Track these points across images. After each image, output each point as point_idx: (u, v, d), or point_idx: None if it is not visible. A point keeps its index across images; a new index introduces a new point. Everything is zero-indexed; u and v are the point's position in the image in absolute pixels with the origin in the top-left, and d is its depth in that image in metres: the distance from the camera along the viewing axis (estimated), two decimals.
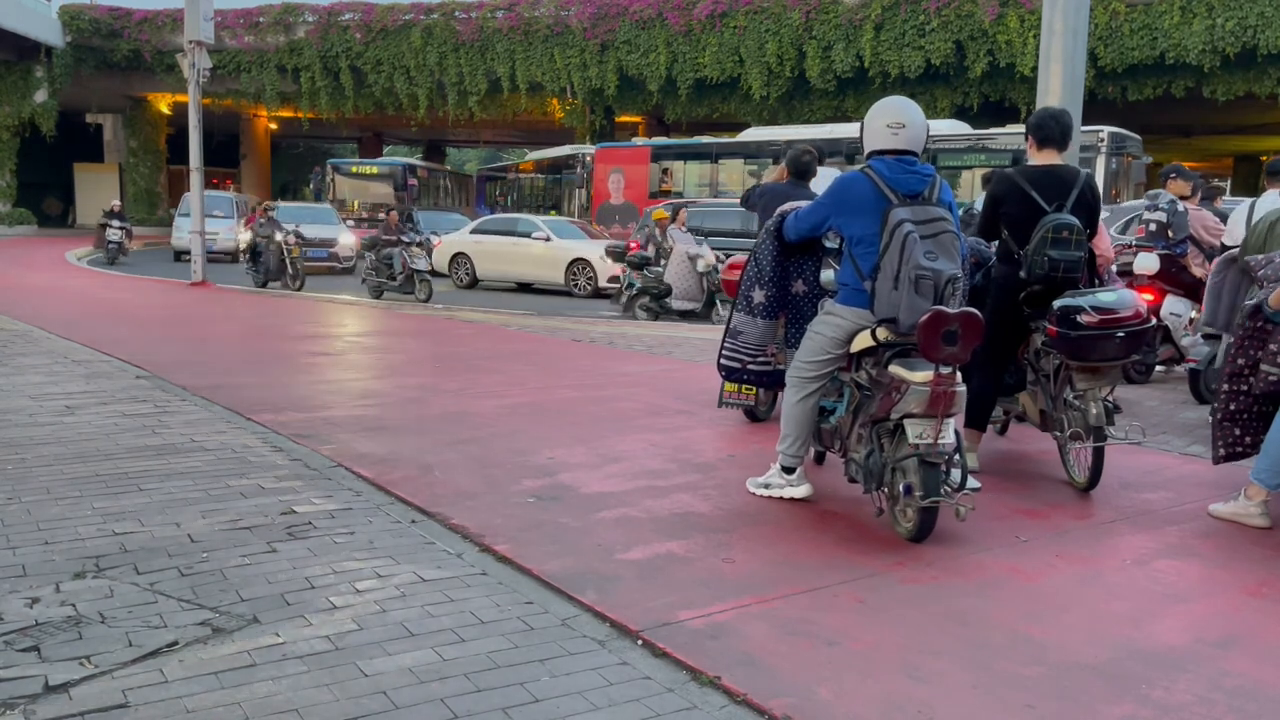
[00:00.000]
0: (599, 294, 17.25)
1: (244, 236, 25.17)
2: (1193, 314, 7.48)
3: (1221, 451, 4.51)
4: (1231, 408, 4.42)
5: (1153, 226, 7.65)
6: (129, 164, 37.96)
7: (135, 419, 5.62)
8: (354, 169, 31.28)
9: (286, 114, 36.20)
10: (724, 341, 4.73)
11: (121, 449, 4.92)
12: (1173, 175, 8.08)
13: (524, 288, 18.97)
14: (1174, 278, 7.58)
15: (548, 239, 18.14)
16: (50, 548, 3.50)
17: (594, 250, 17.70)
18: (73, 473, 4.46)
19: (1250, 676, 2.78)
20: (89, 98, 35.05)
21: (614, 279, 17.01)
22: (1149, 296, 7.45)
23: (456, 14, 30.41)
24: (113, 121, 39.00)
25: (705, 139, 24.62)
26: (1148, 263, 7.58)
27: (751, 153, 22.12)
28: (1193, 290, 7.54)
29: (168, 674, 2.61)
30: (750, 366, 4.70)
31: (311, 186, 37.13)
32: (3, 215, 33.51)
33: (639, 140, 25.07)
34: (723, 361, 4.76)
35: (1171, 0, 22.10)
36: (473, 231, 19.68)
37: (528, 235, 18.48)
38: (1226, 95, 22.80)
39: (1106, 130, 16.40)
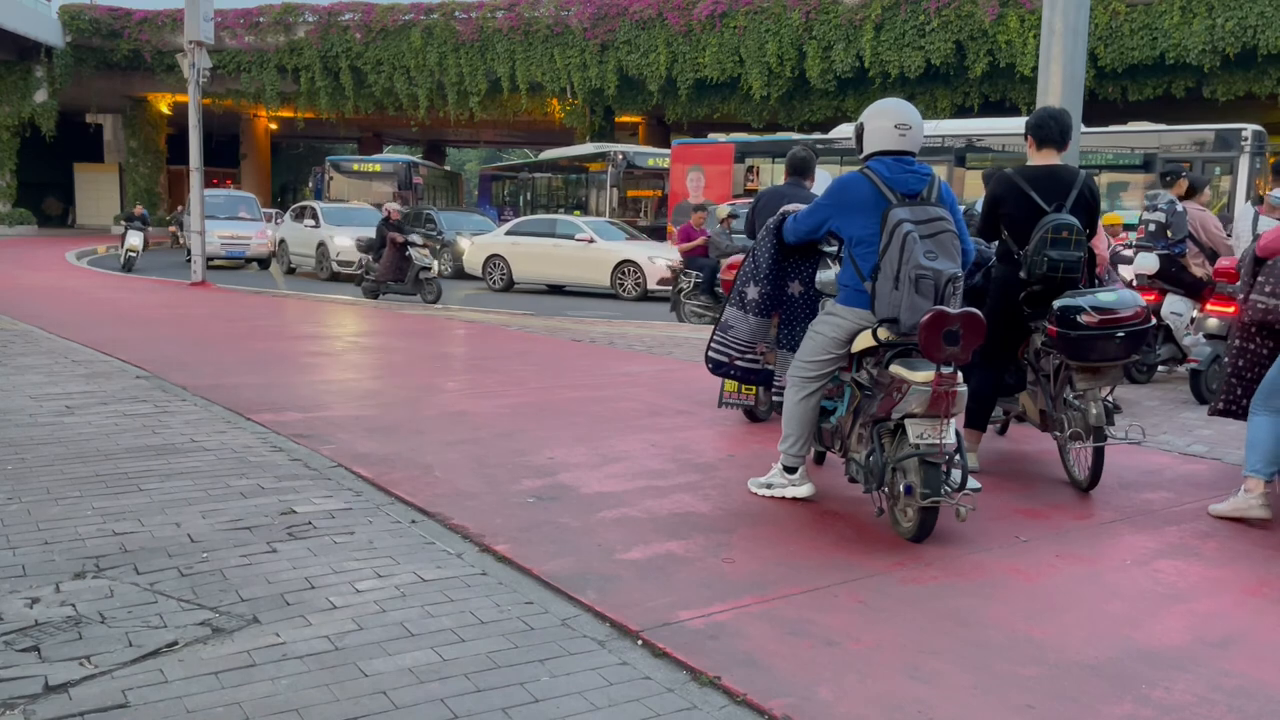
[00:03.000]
0: (647, 297, 16.78)
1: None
2: (1193, 313, 7.50)
3: (1220, 405, 4.75)
4: (1240, 363, 4.64)
5: (1152, 227, 7.69)
6: (129, 164, 37.97)
7: (135, 419, 5.62)
8: (355, 167, 30.24)
9: (286, 114, 36.19)
10: (714, 335, 4.72)
11: (121, 449, 4.92)
12: (1179, 176, 8.13)
13: (554, 290, 18.60)
14: (1174, 277, 7.60)
15: (591, 240, 17.70)
16: (50, 548, 3.50)
17: (642, 252, 17.30)
18: (73, 473, 4.46)
19: (1250, 676, 2.78)
20: (89, 98, 35.05)
21: (664, 281, 16.28)
22: (1149, 296, 7.47)
23: (456, 14, 30.41)
24: (113, 121, 39.01)
25: (794, 135, 23.07)
26: (1147, 262, 7.60)
27: (846, 150, 19.72)
28: (1193, 289, 7.56)
29: (168, 674, 2.61)
30: (738, 362, 4.70)
31: (311, 186, 36.94)
32: (3, 215, 33.53)
33: (719, 136, 23.45)
34: (710, 355, 4.75)
35: (1171, 0, 22.10)
36: (508, 233, 19.20)
37: (569, 237, 18.01)
38: (1227, 95, 22.79)
39: (1250, 129, 15.76)
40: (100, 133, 39.80)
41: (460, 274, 20.28)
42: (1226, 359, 4.74)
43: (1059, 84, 7.09)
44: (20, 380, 6.75)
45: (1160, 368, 7.91)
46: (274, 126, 41.88)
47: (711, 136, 23.71)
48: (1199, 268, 7.60)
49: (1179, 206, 7.69)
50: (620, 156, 25.07)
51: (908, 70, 24.78)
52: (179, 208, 28.03)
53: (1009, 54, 23.74)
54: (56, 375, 7.00)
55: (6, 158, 33.78)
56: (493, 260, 18.88)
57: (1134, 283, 7.64)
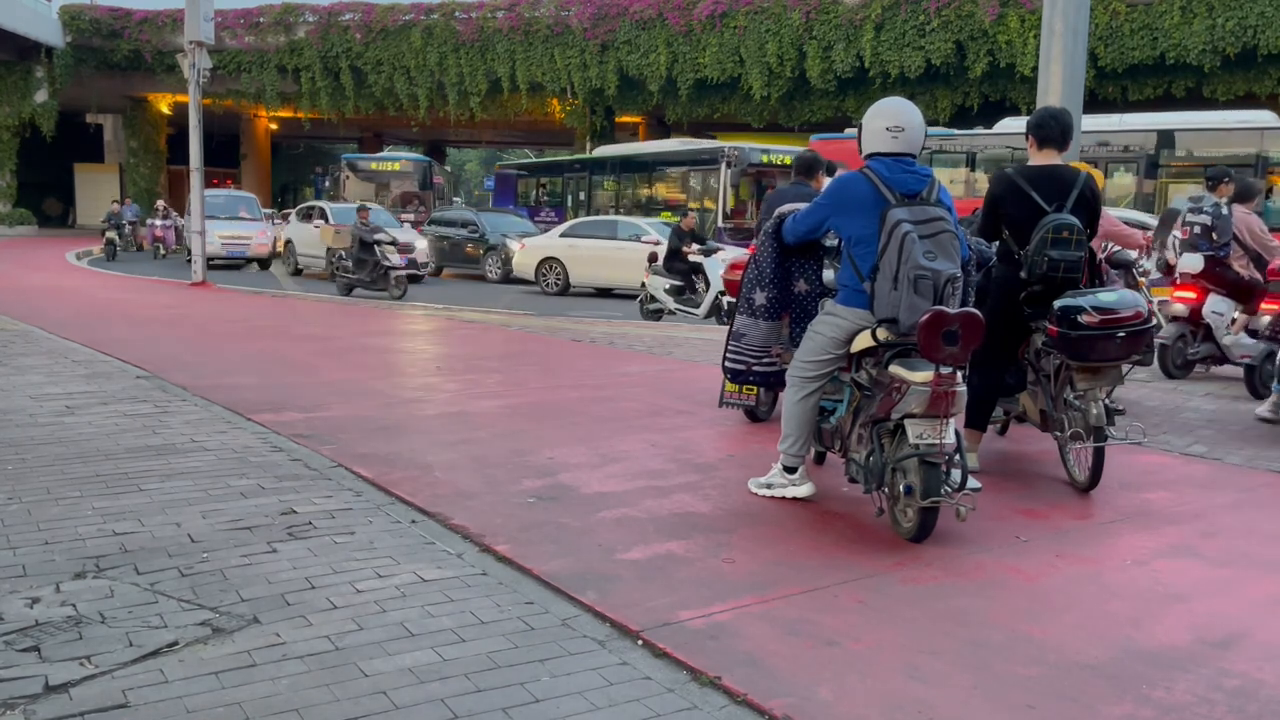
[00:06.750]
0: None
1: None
2: (1235, 314, 7.54)
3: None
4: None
5: (1197, 229, 7.66)
6: (129, 164, 37.96)
7: (135, 419, 5.62)
8: (372, 165, 29.61)
9: (286, 114, 36.18)
10: (728, 344, 4.74)
11: (122, 449, 4.92)
12: (1225, 180, 8.00)
13: (603, 293, 18.00)
14: (1217, 276, 7.60)
15: (658, 243, 16.59)
16: (50, 548, 3.50)
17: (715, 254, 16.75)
18: (73, 473, 4.46)
19: (1250, 676, 2.78)
20: (89, 98, 35.05)
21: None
22: (1192, 295, 7.53)
23: (456, 14, 30.42)
24: (113, 122, 39.01)
25: (953, 131, 20.32)
26: (1192, 262, 7.60)
27: (1015, 147, 17.17)
28: (1235, 289, 7.58)
29: (168, 674, 2.61)
30: (755, 368, 4.71)
31: (326, 184, 36.65)
32: (3, 215, 33.53)
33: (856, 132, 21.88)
34: (727, 364, 4.77)
35: (1171, 0, 22.11)
36: (563, 235, 18.61)
37: (635, 239, 17.18)
38: (1227, 95, 22.78)
39: None
40: (100, 133, 39.81)
41: (508, 278, 19.75)
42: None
43: (1059, 84, 7.10)
44: (20, 380, 6.74)
45: (1198, 366, 7.92)
46: (274, 127, 41.89)
47: (849, 131, 21.52)
48: (1243, 269, 7.62)
49: (1224, 209, 7.67)
50: (735, 154, 21.21)
51: (908, 70, 24.78)
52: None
53: (1009, 54, 23.74)
54: (57, 375, 7.00)
55: (6, 158, 33.77)
56: (547, 263, 18.26)
57: (1178, 280, 7.67)
